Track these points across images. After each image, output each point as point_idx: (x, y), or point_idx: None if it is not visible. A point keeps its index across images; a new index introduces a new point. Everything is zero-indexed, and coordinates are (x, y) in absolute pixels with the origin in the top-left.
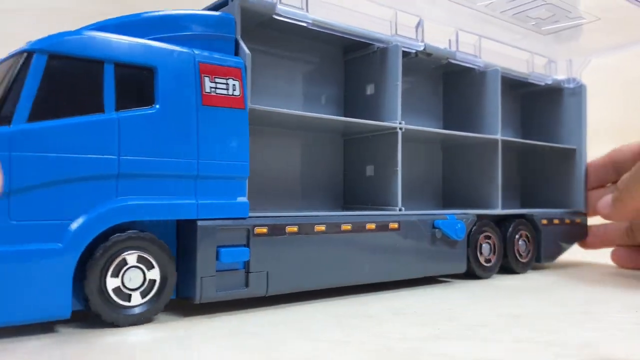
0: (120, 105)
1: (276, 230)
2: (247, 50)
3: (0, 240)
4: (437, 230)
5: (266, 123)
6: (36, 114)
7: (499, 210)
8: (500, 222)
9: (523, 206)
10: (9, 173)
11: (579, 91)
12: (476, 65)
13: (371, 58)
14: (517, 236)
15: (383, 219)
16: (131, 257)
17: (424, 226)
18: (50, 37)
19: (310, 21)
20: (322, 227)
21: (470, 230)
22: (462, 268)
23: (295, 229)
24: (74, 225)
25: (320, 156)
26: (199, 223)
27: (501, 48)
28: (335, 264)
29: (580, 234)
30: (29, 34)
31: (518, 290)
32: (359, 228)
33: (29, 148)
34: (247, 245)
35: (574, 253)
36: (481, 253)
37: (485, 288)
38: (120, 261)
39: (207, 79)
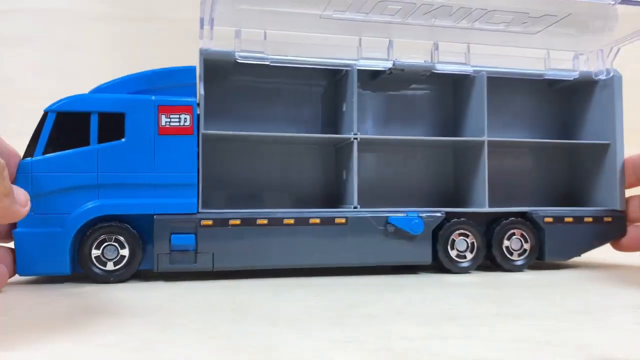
0: (101, 139)
1: (220, 222)
2: (201, 92)
3: (27, 224)
4: (389, 225)
5: (270, 142)
6: (48, 149)
7: (485, 209)
8: (495, 220)
9: (566, 205)
10: (30, 185)
11: (611, 82)
12: (464, 72)
13: (343, 80)
14: (507, 234)
15: (328, 214)
16: (110, 238)
17: (377, 222)
18: (60, 100)
19: (269, 61)
20: (265, 221)
21: (440, 227)
22: (426, 260)
23: (238, 222)
24: (70, 217)
25: (317, 164)
26: (155, 216)
27: (517, 51)
28: (278, 250)
29: (611, 234)
30: (28, 34)
31: (518, 290)
32: (302, 222)
33: (42, 170)
34: (195, 233)
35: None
36: (453, 249)
37: (485, 288)
38: (102, 239)
39: (163, 116)
